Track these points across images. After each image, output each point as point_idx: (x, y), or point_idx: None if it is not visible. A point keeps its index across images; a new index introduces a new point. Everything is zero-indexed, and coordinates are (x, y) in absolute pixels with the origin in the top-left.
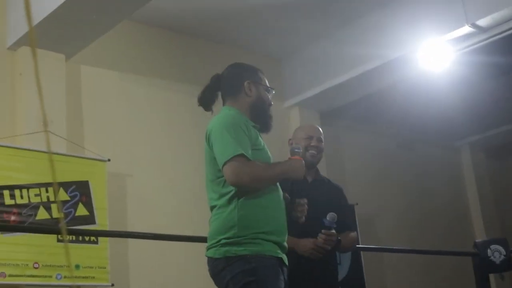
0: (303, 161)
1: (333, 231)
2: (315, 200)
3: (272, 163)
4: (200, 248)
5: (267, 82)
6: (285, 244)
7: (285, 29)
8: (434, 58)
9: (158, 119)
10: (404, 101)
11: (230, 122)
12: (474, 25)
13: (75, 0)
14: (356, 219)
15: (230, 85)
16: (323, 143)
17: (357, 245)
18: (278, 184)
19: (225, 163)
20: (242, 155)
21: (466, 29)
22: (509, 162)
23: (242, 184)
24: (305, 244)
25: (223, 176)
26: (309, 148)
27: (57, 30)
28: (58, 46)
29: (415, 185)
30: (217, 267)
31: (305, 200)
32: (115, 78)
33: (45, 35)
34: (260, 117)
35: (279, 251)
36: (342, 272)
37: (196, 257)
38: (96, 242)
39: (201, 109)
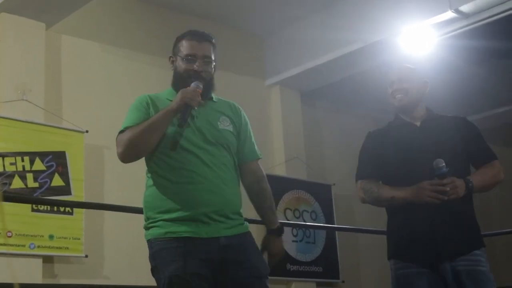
0: (194, 87)
1: (446, 179)
2: (428, 143)
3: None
4: None
5: (190, 47)
6: (205, 215)
7: (269, 7)
8: (416, 42)
9: (137, 92)
10: (385, 84)
11: (130, 107)
12: (457, 11)
13: None
14: (333, 199)
15: None
16: (410, 82)
17: (333, 225)
18: (189, 147)
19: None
20: (119, 133)
21: (449, 14)
22: None
23: (123, 155)
24: (418, 186)
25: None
26: (394, 94)
27: None
28: (39, 14)
29: None
30: None
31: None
32: (96, 50)
33: (25, 2)
34: (178, 88)
35: (184, 229)
36: (316, 251)
37: None
38: (71, 213)
39: None
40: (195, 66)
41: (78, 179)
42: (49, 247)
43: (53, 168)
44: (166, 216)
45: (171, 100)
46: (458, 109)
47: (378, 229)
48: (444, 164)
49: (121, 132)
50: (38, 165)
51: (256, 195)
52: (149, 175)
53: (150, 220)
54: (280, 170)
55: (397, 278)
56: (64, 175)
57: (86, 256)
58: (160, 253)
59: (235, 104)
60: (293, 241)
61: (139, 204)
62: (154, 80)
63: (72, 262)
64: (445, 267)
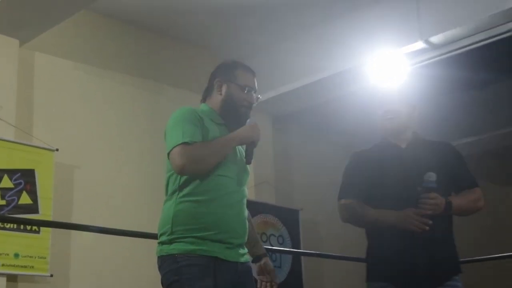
0: (257, 124)
1: (434, 193)
2: (412, 165)
3: (213, 140)
4: (144, 244)
5: (247, 79)
6: (230, 240)
7: (242, 34)
8: (387, 71)
9: (110, 112)
10: (357, 112)
11: (180, 118)
12: (427, 42)
13: None
14: (300, 224)
15: (208, 84)
16: (400, 105)
17: (299, 250)
18: (231, 175)
19: (168, 154)
20: (183, 143)
21: (420, 44)
22: None
23: (184, 168)
24: (403, 213)
25: (173, 171)
26: (386, 115)
27: (12, 14)
28: (13, 31)
29: None
30: (158, 265)
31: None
32: (69, 68)
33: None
34: (230, 116)
35: (216, 248)
36: (281, 275)
37: (138, 251)
38: (38, 232)
39: (151, 102)
40: (251, 98)
41: (47, 198)
42: (14, 265)
43: (21, 186)
44: (197, 234)
45: (217, 124)
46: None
47: (344, 254)
48: (435, 179)
49: (185, 144)
50: (6, 182)
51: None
52: (183, 189)
53: (176, 235)
54: (249, 194)
55: None
56: (32, 193)
57: (51, 276)
58: (189, 268)
59: None
60: None
61: (108, 224)
62: (127, 99)
63: (37, 281)
64: None
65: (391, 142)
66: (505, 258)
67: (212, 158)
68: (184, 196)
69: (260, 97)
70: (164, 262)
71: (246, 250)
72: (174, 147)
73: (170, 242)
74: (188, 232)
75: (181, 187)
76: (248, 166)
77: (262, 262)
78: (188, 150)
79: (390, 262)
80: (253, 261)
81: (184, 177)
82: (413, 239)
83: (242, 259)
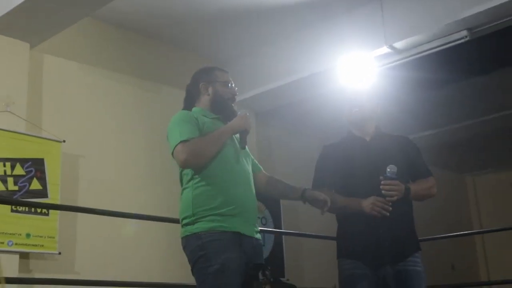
0: (247, 114)
1: (395, 181)
2: (376, 157)
3: (209, 133)
4: (144, 225)
5: (225, 76)
6: (245, 214)
7: (229, 38)
8: (356, 72)
9: (112, 108)
10: (330, 109)
11: (177, 120)
12: (391, 47)
13: None
14: (281, 209)
15: (192, 91)
16: (365, 101)
17: (280, 230)
18: (237, 157)
19: (172, 154)
20: (182, 141)
21: (385, 49)
22: None
23: (187, 162)
24: (367, 200)
25: None
26: (351, 108)
27: (24, 20)
28: (24, 35)
29: None
30: (182, 246)
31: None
32: (74, 68)
33: (13, 25)
34: (222, 111)
35: (236, 224)
36: (265, 253)
37: (141, 233)
38: (47, 214)
39: (152, 102)
40: (234, 91)
41: (55, 184)
42: (25, 244)
43: (32, 173)
44: (216, 211)
45: (211, 118)
46: (391, 130)
47: (320, 234)
48: (396, 171)
49: (184, 141)
50: (19, 170)
51: (276, 182)
52: (196, 177)
53: (198, 216)
54: None
55: (344, 276)
56: (42, 180)
57: (59, 253)
58: (212, 243)
59: None
60: None
61: (110, 207)
62: (128, 97)
63: (46, 259)
64: (386, 269)
65: (356, 136)
66: (457, 236)
67: (210, 148)
68: (199, 181)
69: (237, 88)
70: (188, 241)
71: (258, 228)
72: (175, 146)
73: (193, 222)
74: (208, 212)
75: (194, 176)
76: (247, 149)
77: (307, 194)
78: (187, 145)
79: (357, 241)
80: (302, 199)
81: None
82: (377, 221)
83: (257, 235)
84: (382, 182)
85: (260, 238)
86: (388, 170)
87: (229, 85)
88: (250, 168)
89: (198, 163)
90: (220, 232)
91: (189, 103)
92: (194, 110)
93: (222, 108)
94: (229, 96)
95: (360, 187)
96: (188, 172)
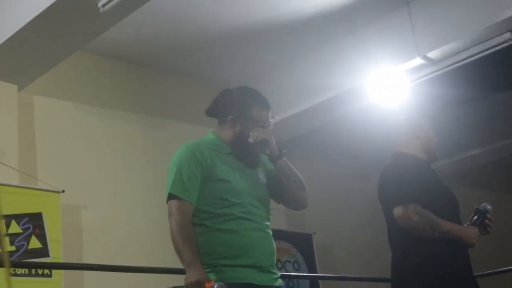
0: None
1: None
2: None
3: (191, 244)
4: (157, 279)
5: (263, 115)
6: (260, 262)
7: (238, 61)
8: (387, 89)
9: (113, 150)
10: (359, 132)
11: (178, 161)
12: (425, 57)
13: (27, 30)
14: (314, 248)
15: (221, 112)
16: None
17: (315, 274)
18: (250, 187)
19: (167, 201)
20: (177, 198)
21: (418, 61)
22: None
23: (171, 224)
24: (473, 229)
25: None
26: (433, 139)
27: (9, 60)
28: (10, 76)
29: (372, 214)
30: None
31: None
32: (69, 109)
33: None
34: (241, 153)
35: (247, 275)
36: None
37: None
38: (50, 275)
39: (156, 140)
40: (270, 134)
41: (56, 240)
42: None
43: (29, 230)
44: (227, 262)
45: (224, 153)
46: None
47: (362, 275)
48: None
49: (178, 199)
50: (14, 227)
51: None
52: (200, 224)
53: (205, 266)
54: None
55: None
56: (41, 237)
57: None
58: None
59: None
60: None
61: (119, 263)
62: (129, 136)
63: None
64: None
65: (424, 159)
66: None
67: (181, 247)
68: (204, 227)
69: (272, 128)
70: None
71: (278, 274)
72: (170, 199)
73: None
74: (217, 261)
75: (200, 220)
76: (261, 179)
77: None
78: (179, 212)
79: (451, 278)
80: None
81: (200, 211)
82: (467, 258)
83: (276, 283)
84: (488, 216)
85: (281, 284)
86: (489, 207)
87: (264, 127)
88: (265, 191)
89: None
90: (234, 285)
91: (213, 112)
92: (208, 137)
93: (243, 151)
94: (259, 142)
95: (450, 216)
96: (195, 215)
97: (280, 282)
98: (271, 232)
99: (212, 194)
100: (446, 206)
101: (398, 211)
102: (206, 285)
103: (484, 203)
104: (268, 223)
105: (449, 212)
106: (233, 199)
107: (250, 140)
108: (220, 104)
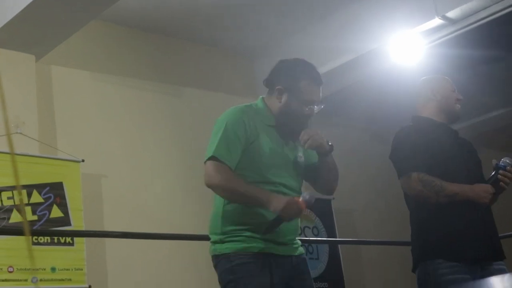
0: (297, 205)
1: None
2: (466, 148)
3: (252, 186)
4: (178, 246)
5: (313, 94)
6: (282, 239)
7: (256, 26)
8: (405, 51)
9: (131, 118)
10: (377, 95)
11: (225, 120)
12: (444, 17)
13: (42, 1)
14: (333, 213)
15: (271, 81)
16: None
17: (334, 238)
18: (282, 163)
19: (205, 162)
20: (216, 159)
21: (437, 21)
22: None
23: (210, 186)
24: (481, 187)
25: None
26: (457, 102)
27: (26, 31)
28: (28, 47)
29: (389, 177)
30: (213, 264)
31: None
32: (86, 78)
33: (14, 36)
34: (283, 126)
35: (268, 245)
36: (320, 266)
37: (175, 255)
38: (72, 244)
39: (174, 107)
40: (311, 113)
41: (77, 209)
42: (51, 280)
43: (51, 200)
44: (248, 233)
45: (267, 125)
46: None
47: (381, 240)
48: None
49: (217, 161)
50: (36, 197)
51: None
52: None
53: (229, 234)
54: None
55: (442, 282)
56: (63, 206)
57: (90, 287)
58: (242, 267)
59: None
60: None
61: (141, 229)
62: (147, 105)
63: None
64: (487, 270)
65: (442, 122)
66: None
67: (233, 198)
68: None
69: (322, 106)
70: (218, 261)
71: (299, 243)
72: (209, 160)
73: (222, 241)
74: (239, 232)
75: None
76: (298, 157)
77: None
78: (218, 172)
79: (460, 238)
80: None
81: (237, 175)
82: (482, 217)
83: (297, 252)
84: (501, 171)
85: (303, 252)
86: (508, 161)
87: (310, 106)
88: (301, 171)
89: (218, 194)
90: (251, 254)
91: (267, 83)
92: (257, 104)
93: (288, 125)
94: (302, 120)
95: (461, 176)
96: None
97: (301, 250)
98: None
99: (250, 164)
100: (460, 167)
101: (402, 181)
102: (297, 200)
103: (504, 158)
104: (297, 195)
105: (464, 173)
106: (267, 174)
107: (302, 144)
108: (273, 73)
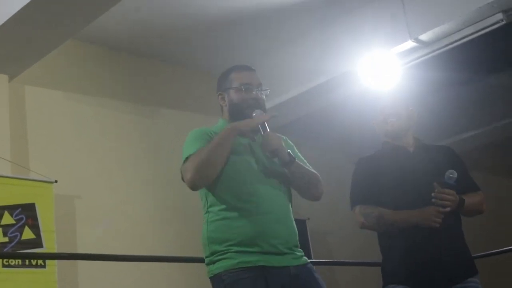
0: (262, 115)
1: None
2: (424, 169)
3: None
4: (153, 268)
5: (241, 78)
6: (274, 242)
7: (231, 47)
8: (379, 73)
9: (106, 139)
10: (352, 116)
11: (186, 142)
12: (417, 40)
13: (17, 20)
14: (308, 234)
15: (217, 98)
16: (401, 108)
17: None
18: (262, 172)
19: (181, 170)
20: (187, 158)
21: (410, 43)
22: None
23: (194, 180)
24: (427, 212)
25: (201, 195)
26: (387, 118)
27: None
28: (1, 67)
29: None
30: None
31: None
32: (60, 98)
33: None
34: (239, 119)
35: (260, 257)
36: None
37: (150, 277)
38: (43, 266)
39: (149, 128)
40: (253, 94)
41: (49, 231)
42: None
43: (22, 221)
44: (236, 248)
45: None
46: (424, 137)
47: (356, 260)
48: (457, 176)
49: (187, 159)
50: (7, 219)
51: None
52: (210, 209)
53: (217, 254)
54: None
55: None
56: (35, 228)
57: None
58: (236, 284)
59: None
60: None
61: (115, 251)
62: (122, 125)
63: None
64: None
65: (398, 145)
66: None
67: (213, 158)
68: (213, 214)
69: (268, 89)
70: (213, 283)
71: (301, 252)
72: (183, 163)
73: (213, 262)
74: (225, 249)
75: (209, 208)
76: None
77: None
78: (190, 161)
79: (407, 262)
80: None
81: (210, 197)
82: (432, 242)
83: (296, 262)
84: (436, 190)
85: (306, 261)
86: (450, 175)
87: (245, 88)
88: (284, 187)
89: (205, 178)
90: (243, 270)
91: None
92: (218, 124)
93: (239, 118)
94: (247, 103)
95: (410, 201)
96: (204, 202)
97: (303, 260)
98: (288, 211)
99: (219, 176)
100: (411, 192)
101: (353, 215)
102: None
103: (448, 172)
104: (283, 199)
105: (414, 196)
106: (242, 176)
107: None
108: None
